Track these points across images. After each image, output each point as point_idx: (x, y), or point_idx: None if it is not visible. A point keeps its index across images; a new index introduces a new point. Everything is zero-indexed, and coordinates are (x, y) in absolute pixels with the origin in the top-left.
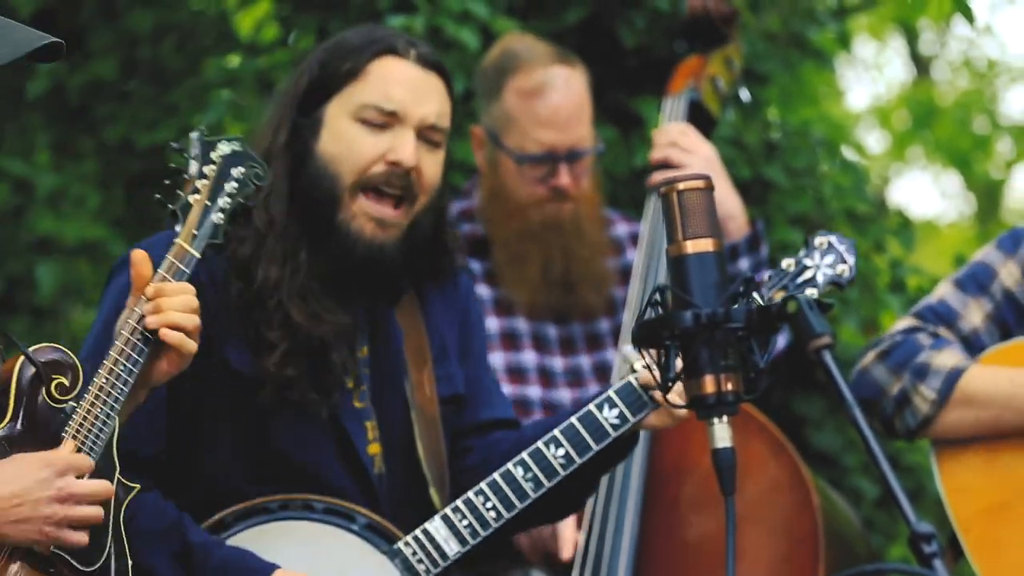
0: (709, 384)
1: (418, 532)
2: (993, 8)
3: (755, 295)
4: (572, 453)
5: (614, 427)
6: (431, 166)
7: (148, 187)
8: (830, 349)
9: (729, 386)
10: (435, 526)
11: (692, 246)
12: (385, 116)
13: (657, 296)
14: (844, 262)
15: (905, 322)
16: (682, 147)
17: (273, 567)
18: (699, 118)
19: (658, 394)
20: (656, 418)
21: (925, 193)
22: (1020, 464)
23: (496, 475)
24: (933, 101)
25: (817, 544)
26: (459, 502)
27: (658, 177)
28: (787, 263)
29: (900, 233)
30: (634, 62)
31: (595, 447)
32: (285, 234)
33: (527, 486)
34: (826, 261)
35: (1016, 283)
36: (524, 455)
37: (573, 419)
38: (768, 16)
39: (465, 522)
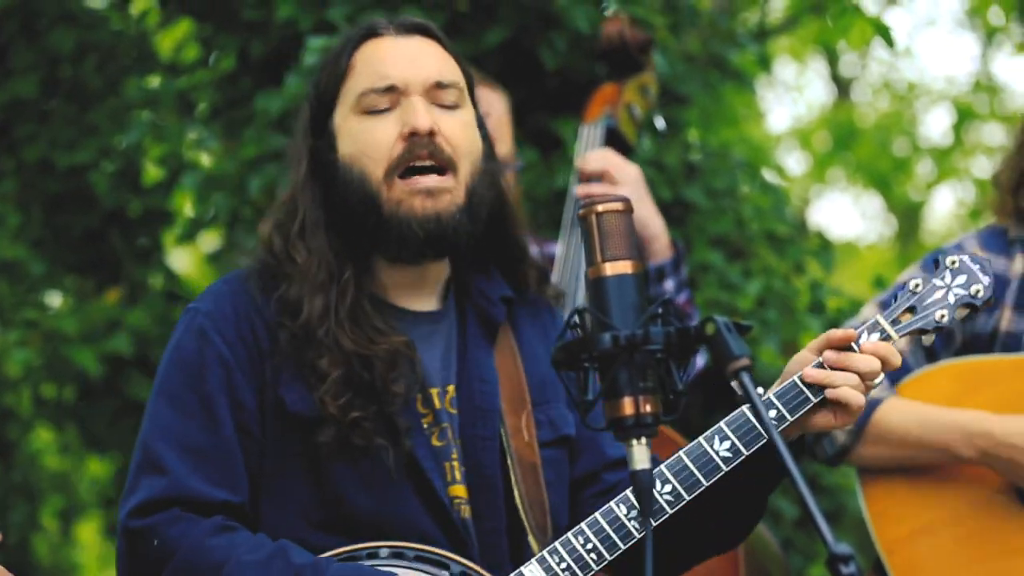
0: (628, 406)
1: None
2: (913, 31)
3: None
4: (680, 490)
5: (726, 460)
6: (455, 127)
7: (68, 207)
8: (748, 371)
9: (648, 408)
10: (530, 569)
11: (611, 268)
12: (385, 95)
13: (576, 318)
14: (979, 281)
15: None
16: (611, 179)
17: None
18: (615, 146)
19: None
20: (823, 418)
21: (845, 214)
22: (943, 489)
23: (597, 514)
24: (853, 123)
25: (737, 565)
26: (557, 543)
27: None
28: (914, 283)
29: (820, 255)
30: (555, 84)
31: (704, 483)
32: (325, 261)
33: (631, 525)
34: (958, 281)
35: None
36: (628, 492)
37: (681, 453)
38: (688, 38)
39: (563, 564)
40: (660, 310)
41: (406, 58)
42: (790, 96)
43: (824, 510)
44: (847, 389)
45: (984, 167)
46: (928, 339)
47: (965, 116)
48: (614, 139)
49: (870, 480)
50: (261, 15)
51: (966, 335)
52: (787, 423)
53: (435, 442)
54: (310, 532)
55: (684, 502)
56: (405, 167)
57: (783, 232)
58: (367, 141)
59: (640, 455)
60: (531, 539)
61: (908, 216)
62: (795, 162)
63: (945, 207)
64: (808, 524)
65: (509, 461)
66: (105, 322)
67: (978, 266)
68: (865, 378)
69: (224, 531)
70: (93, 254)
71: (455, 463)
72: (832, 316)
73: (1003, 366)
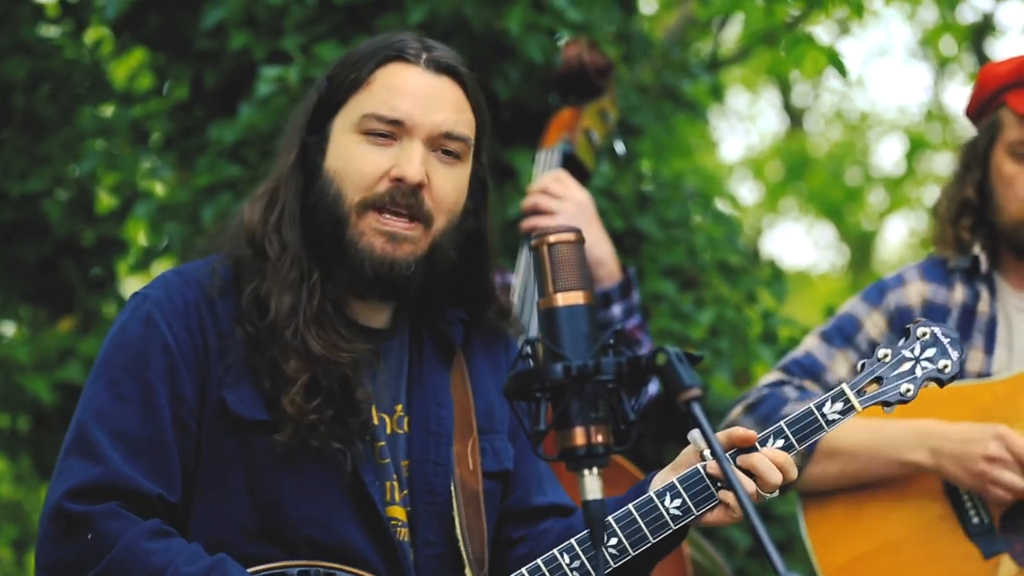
0: (579, 436)
1: None
2: (865, 61)
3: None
4: (626, 544)
5: (675, 519)
6: (447, 181)
7: (21, 236)
8: (699, 401)
9: (599, 438)
10: None
11: (563, 299)
12: (389, 126)
13: (528, 348)
14: (947, 357)
15: (772, 376)
16: (553, 193)
17: None
18: (573, 171)
19: (726, 495)
20: (716, 515)
21: (798, 244)
22: (884, 516)
23: (540, 561)
24: (806, 152)
25: None
26: None
27: (528, 223)
28: (884, 352)
29: (772, 284)
30: (508, 114)
31: (652, 539)
32: (297, 259)
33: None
34: (927, 354)
35: (881, 334)
36: (573, 541)
37: (631, 506)
38: (641, 68)
39: None
40: (612, 340)
41: (424, 97)
42: (743, 126)
43: (775, 540)
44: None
45: (936, 196)
46: (890, 410)
47: (917, 146)
48: (571, 165)
49: (812, 507)
50: (215, 45)
51: None
52: (692, 517)
53: (378, 460)
54: (241, 540)
55: (628, 557)
56: (381, 206)
57: (735, 262)
58: (355, 166)
59: (591, 485)
60: (468, 571)
61: (860, 245)
62: (748, 192)
63: (897, 236)
64: (760, 553)
65: (453, 488)
66: (58, 351)
67: (949, 340)
68: (764, 487)
69: (162, 535)
70: (46, 283)
71: (395, 484)
72: (784, 345)
73: (942, 394)
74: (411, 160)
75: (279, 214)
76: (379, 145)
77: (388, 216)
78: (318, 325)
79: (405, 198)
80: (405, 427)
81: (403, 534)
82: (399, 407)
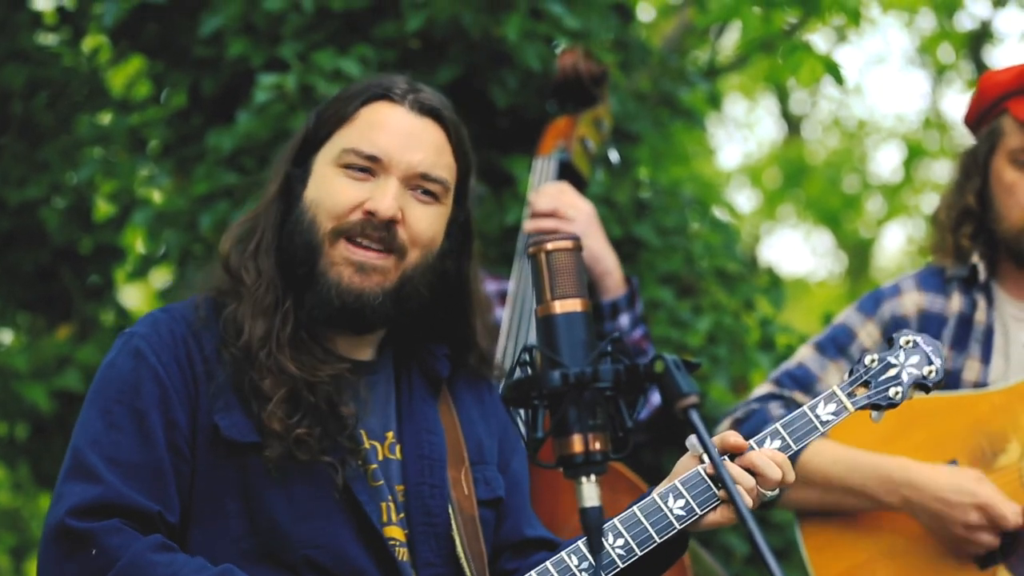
0: (577, 444)
1: None
2: (863, 68)
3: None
4: (632, 544)
5: (679, 519)
6: (422, 219)
7: (18, 244)
8: (697, 408)
9: (597, 445)
10: None
11: (560, 306)
12: (366, 161)
13: (526, 356)
14: (930, 363)
15: (763, 388)
16: (562, 216)
17: None
18: (569, 179)
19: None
20: (719, 514)
21: (796, 251)
22: (880, 524)
23: (548, 564)
24: (804, 160)
25: None
26: None
27: (533, 225)
28: (870, 359)
29: (770, 292)
30: (506, 122)
31: (657, 539)
32: (272, 285)
33: None
34: (911, 361)
35: (876, 344)
36: (579, 543)
37: (635, 508)
38: (639, 76)
39: None
40: (609, 348)
41: (404, 137)
42: (740, 133)
43: (773, 547)
44: (741, 489)
45: (934, 204)
46: (879, 416)
47: (915, 153)
48: (568, 173)
49: (808, 516)
50: (212, 52)
51: None
52: (696, 516)
53: (371, 482)
54: (241, 563)
55: (635, 557)
56: (353, 237)
57: (733, 269)
58: (330, 195)
59: (589, 492)
60: None
61: (858, 253)
62: (745, 199)
63: (895, 244)
64: (758, 561)
65: (451, 511)
66: (56, 358)
67: (931, 348)
68: (764, 484)
69: (166, 549)
70: (44, 291)
71: (391, 505)
72: (782, 353)
73: (939, 404)
74: (385, 195)
75: (256, 243)
76: (356, 179)
77: (358, 248)
78: (293, 348)
79: (377, 230)
80: (397, 453)
81: (403, 554)
82: (389, 434)
